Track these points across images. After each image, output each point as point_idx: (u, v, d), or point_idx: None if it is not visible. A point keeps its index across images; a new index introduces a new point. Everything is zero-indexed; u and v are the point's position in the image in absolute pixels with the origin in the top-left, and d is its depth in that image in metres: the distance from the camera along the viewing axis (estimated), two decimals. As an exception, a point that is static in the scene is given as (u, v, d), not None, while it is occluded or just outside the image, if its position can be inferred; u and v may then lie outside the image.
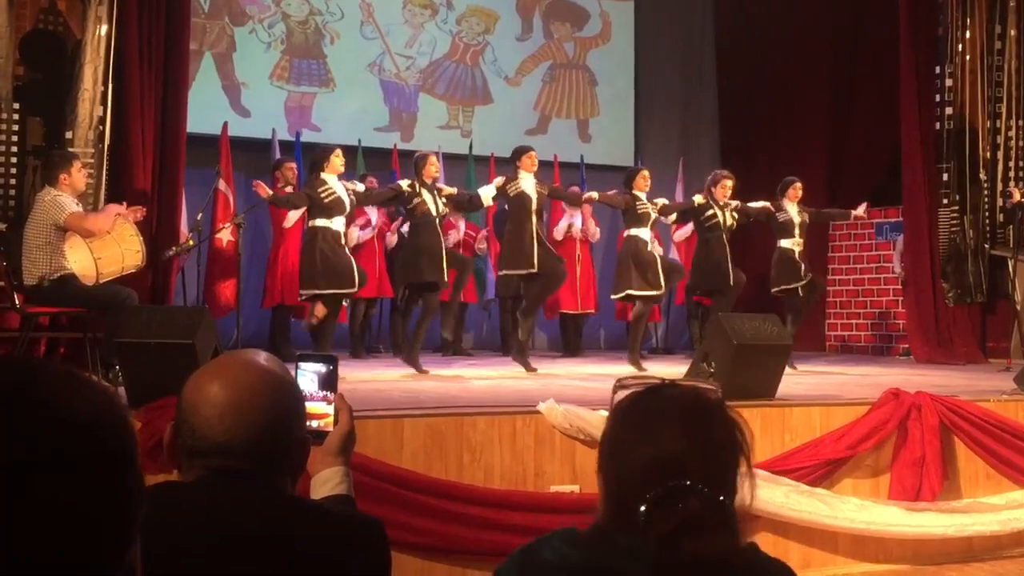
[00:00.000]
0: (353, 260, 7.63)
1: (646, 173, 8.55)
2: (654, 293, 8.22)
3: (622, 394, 1.54)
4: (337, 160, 7.54)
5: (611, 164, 12.12)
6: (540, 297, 8.32)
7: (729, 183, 8.57)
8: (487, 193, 8.06)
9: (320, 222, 7.48)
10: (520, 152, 8.09)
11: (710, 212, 8.57)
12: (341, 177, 7.70)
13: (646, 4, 12.82)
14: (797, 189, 8.84)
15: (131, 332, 4.84)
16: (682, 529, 1.32)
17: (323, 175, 7.49)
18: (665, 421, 1.43)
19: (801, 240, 8.79)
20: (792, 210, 8.78)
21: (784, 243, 8.78)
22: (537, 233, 7.88)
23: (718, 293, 8.56)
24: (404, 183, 7.87)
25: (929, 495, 5.26)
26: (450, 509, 4.37)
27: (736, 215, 8.60)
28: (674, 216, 9.25)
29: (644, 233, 8.29)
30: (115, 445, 0.88)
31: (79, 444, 0.85)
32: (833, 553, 5.08)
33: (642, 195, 8.40)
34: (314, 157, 7.77)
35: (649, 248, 8.25)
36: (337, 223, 7.49)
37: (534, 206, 7.93)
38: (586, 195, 8.72)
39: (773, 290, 8.80)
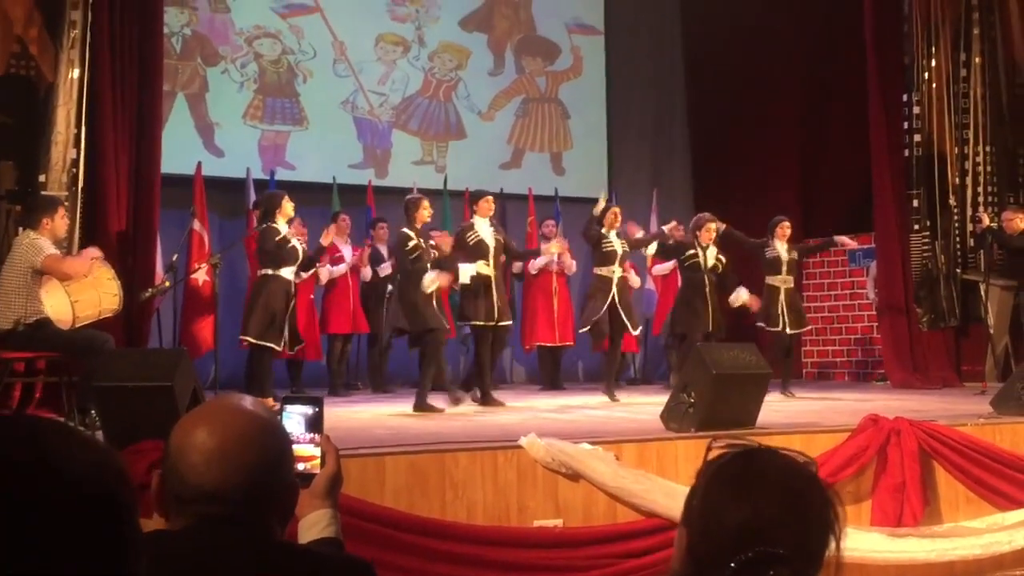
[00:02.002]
0: (295, 319, 7.65)
1: (616, 210, 8.72)
2: (593, 320, 8.46)
3: (717, 452, 1.53)
4: (288, 206, 7.55)
5: (585, 196, 12.16)
6: (493, 359, 8.28)
7: (712, 226, 8.78)
8: (466, 272, 7.82)
9: (270, 271, 7.47)
10: (477, 196, 8.12)
11: (691, 252, 8.73)
12: (290, 222, 7.73)
13: (616, 37, 12.95)
14: (785, 228, 9.00)
15: (109, 376, 4.80)
16: None
17: (276, 224, 7.48)
18: (764, 486, 1.42)
19: (789, 277, 8.95)
20: (780, 248, 8.90)
21: (771, 280, 8.95)
22: (496, 281, 7.86)
23: (692, 336, 8.61)
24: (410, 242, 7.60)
25: (911, 520, 5.28)
26: (434, 547, 4.35)
27: (723, 258, 8.74)
28: (653, 249, 9.31)
29: (609, 272, 8.47)
30: (112, 499, 0.89)
31: (78, 500, 0.86)
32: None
33: (611, 233, 8.58)
34: (266, 204, 7.73)
35: (612, 288, 8.42)
36: (287, 272, 7.51)
37: (492, 253, 7.92)
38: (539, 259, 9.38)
39: (757, 323, 8.98)
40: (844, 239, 9.43)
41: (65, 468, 0.87)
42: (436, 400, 7.48)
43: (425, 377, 7.48)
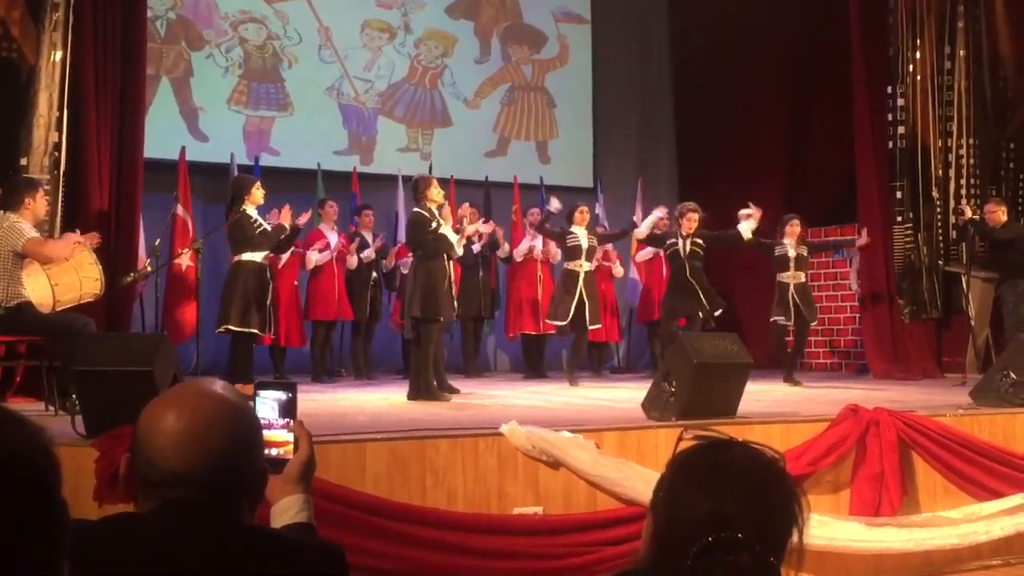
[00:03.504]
0: (274, 303, 7.67)
1: (584, 208, 9.29)
2: (559, 324, 9.06)
3: (687, 442, 1.54)
4: (258, 192, 7.54)
5: (571, 185, 12.19)
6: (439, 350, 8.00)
7: (694, 215, 8.94)
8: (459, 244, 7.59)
9: (246, 256, 7.47)
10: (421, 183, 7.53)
11: (671, 240, 9.01)
12: (264, 209, 7.72)
13: (602, 26, 12.94)
14: (794, 226, 9.26)
15: (88, 360, 4.78)
16: None
17: (246, 208, 7.46)
18: (729, 478, 1.44)
19: (799, 273, 9.18)
20: (789, 245, 9.08)
21: (781, 277, 9.18)
22: (450, 277, 7.49)
23: (688, 318, 8.84)
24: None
25: (889, 510, 5.31)
26: (413, 533, 4.35)
27: (702, 242, 8.90)
28: (646, 232, 9.34)
29: (576, 266, 9.04)
30: (36, 478, 0.89)
31: (4, 477, 0.86)
32: (787, 569, 5.10)
33: (578, 229, 9.03)
34: (235, 188, 7.71)
35: (579, 283, 8.95)
36: (260, 256, 7.54)
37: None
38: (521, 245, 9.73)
39: (772, 319, 9.23)
40: (863, 241, 9.50)
41: None
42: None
43: (425, 365, 7.21)
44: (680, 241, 8.89)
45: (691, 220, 8.87)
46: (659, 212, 9.40)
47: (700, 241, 8.91)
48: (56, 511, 0.91)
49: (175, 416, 1.47)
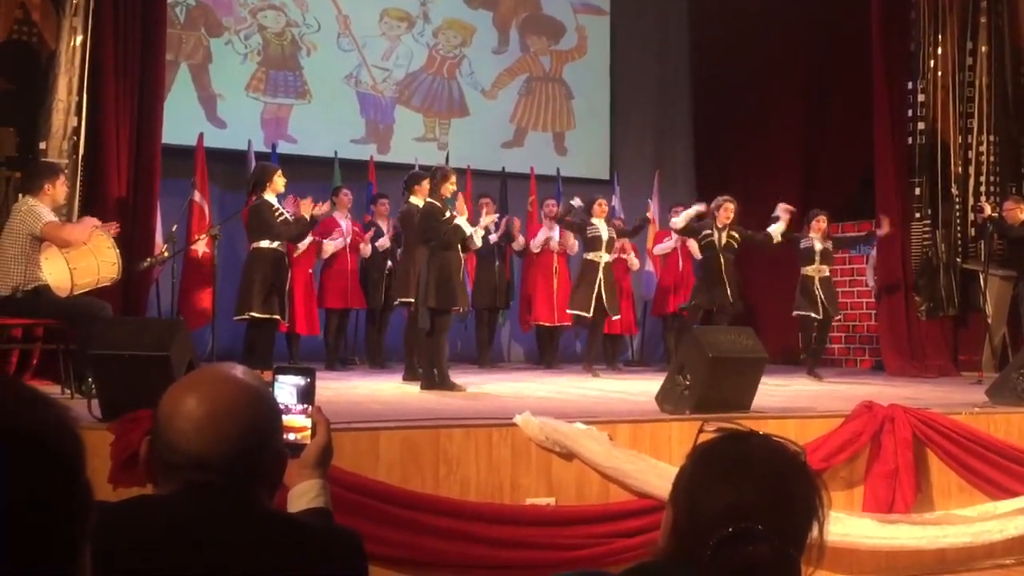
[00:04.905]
0: (291, 291, 7.64)
1: (603, 201, 9.47)
2: (582, 314, 9.26)
3: (708, 434, 1.53)
4: (280, 180, 7.55)
5: (587, 177, 12.17)
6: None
7: (731, 206, 8.99)
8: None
9: (264, 244, 7.48)
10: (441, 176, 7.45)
11: (707, 231, 9.03)
12: (281, 197, 7.73)
13: (621, 18, 12.91)
14: (821, 221, 9.28)
15: (105, 344, 4.79)
16: (746, 572, 1.34)
17: (267, 196, 7.47)
18: (750, 470, 1.43)
19: (823, 267, 9.20)
20: (815, 239, 9.15)
21: (806, 270, 9.21)
22: (463, 268, 7.48)
23: (714, 312, 8.87)
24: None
25: (902, 507, 5.29)
26: (426, 522, 4.36)
27: (737, 236, 8.95)
28: (684, 222, 9.28)
29: (596, 256, 9.20)
30: (61, 458, 0.89)
31: (25, 456, 0.86)
32: (806, 565, 5.08)
33: (598, 221, 9.21)
34: (256, 176, 7.72)
35: (599, 274, 9.13)
36: (280, 245, 7.56)
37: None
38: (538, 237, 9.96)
39: (795, 312, 9.27)
40: (883, 230, 9.46)
41: (12, 422, 0.86)
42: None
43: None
44: (716, 233, 8.93)
45: (728, 211, 8.93)
46: (699, 206, 9.41)
47: (735, 235, 8.96)
48: (80, 493, 0.91)
49: (196, 400, 1.48)
